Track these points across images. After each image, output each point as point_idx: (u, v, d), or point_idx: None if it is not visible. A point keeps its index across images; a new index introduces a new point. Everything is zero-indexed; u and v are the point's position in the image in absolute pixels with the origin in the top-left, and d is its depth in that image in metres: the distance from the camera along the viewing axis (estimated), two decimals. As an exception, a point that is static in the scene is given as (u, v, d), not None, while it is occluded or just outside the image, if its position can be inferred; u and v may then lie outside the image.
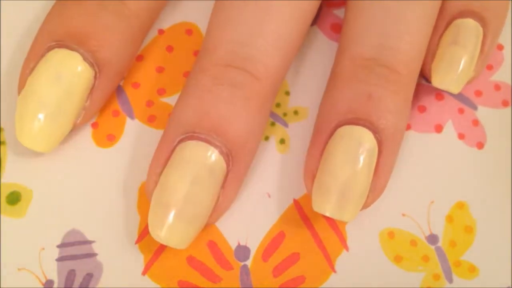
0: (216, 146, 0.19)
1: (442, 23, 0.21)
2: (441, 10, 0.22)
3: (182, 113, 0.19)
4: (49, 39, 0.20)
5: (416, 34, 0.20)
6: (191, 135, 0.19)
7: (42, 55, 0.19)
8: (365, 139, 0.19)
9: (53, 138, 0.19)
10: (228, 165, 0.19)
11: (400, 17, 0.20)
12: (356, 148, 0.19)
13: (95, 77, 0.20)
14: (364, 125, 0.19)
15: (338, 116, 0.20)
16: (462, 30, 0.21)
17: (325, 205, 0.19)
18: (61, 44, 0.19)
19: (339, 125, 0.19)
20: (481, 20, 0.21)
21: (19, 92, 0.20)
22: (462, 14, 0.21)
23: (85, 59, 0.19)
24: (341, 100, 0.20)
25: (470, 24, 0.21)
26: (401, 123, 0.20)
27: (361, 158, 0.19)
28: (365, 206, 0.20)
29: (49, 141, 0.19)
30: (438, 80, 0.21)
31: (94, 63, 0.19)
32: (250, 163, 0.20)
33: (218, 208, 0.19)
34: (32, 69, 0.19)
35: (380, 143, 0.19)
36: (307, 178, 0.20)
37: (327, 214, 0.19)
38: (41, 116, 0.19)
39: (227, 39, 0.19)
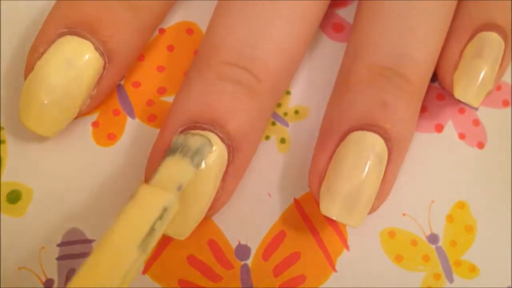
0: (218, 137, 0.18)
1: (466, 34, 0.21)
2: (465, 19, 0.21)
3: (185, 104, 0.19)
4: (60, 24, 0.20)
5: (431, 44, 0.20)
6: (193, 125, 0.19)
7: (53, 41, 0.19)
8: (377, 146, 0.19)
9: (58, 123, 0.20)
10: (229, 157, 0.19)
11: (416, 27, 0.20)
12: (367, 154, 0.19)
13: (104, 67, 0.20)
14: (377, 132, 0.19)
15: (350, 121, 0.19)
16: (486, 43, 0.21)
17: (333, 209, 0.19)
18: (72, 31, 0.19)
19: (352, 130, 0.19)
20: (504, 34, 0.21)
21: (25, 76, 0.19)
22: (487, 27, 0.21)
23: (96, 48, 0.19)
24: (354, 106, 0.20)
25: (494, 38, 0.21)
26: (410, 133, 0.20)
27: (372, 165, 0.19)
28: (371, 211, 0.20)
29: (54, 126, 0.20)
30: (460, 93, 0.21)
31: (105, 53, 0.20)
32: (250, 158, 0.20)
33: (217, 202, 0.19)
34: (42, 54, 0.19)
35: (390, 151, 0.19)
36: (313, 179, 0.20)
37: (334, 218, 0.19)
38: (48, 101, 0.19)
39: (232, 38, 0.20)
